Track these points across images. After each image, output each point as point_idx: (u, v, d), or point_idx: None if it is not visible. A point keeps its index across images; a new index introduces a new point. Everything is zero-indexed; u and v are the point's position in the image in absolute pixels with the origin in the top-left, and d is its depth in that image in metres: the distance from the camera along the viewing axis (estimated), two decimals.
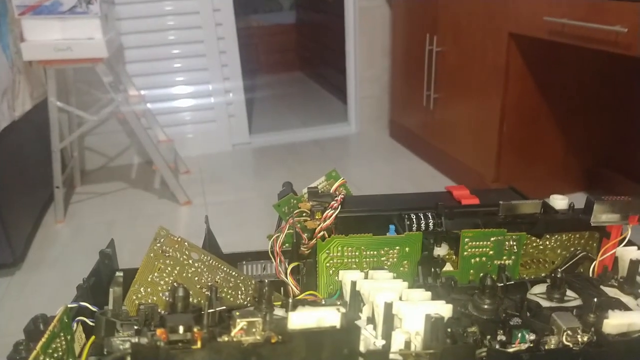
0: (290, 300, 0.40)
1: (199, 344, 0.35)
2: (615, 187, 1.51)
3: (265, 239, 0.66)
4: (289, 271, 0.61)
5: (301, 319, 0.37)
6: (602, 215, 0.60)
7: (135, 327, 0.40)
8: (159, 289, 0.55)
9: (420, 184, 1.73)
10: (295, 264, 0.61)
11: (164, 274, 0.56)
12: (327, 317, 0.37)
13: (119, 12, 1.81)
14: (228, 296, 0.60)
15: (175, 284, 0.53)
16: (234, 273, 0.62)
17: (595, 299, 0.48)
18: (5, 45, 1.34)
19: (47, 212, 1.59)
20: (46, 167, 1.52)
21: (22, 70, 1.44)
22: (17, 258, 1.28)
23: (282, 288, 0.63)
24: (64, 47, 1.37)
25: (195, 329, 0.35)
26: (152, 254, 0.56)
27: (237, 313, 0.36)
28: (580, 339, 0.44)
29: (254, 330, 0.35)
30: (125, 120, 1.62)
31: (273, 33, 3.54)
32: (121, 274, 0.49)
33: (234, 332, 0.35)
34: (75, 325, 0.46)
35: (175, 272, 0.57)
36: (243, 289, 0.62)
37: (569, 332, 0.44)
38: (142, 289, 0.54)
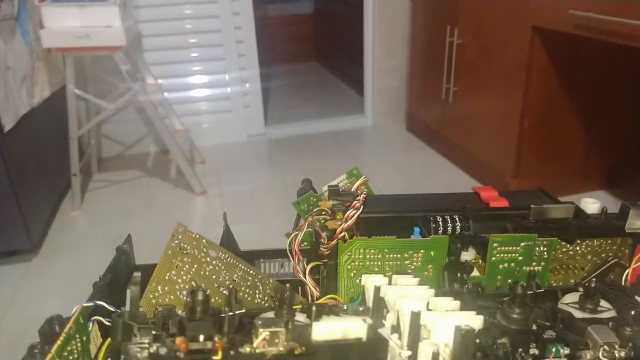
0: (314, 308, 0.39)
1: (219, 354, 0.33)
2: (637, 186, 1.47)
3: (280, 231, 0.65)
4: (307, 271, 0.59)
5: (326, 330, 0.35)
6: (637, 222, 0.57)
7: (153, 332, 0.39)
8: (177, 287, 0.54)
9: (438, 178, 1.70)
10: (314, 264, 0.59)
11: (182, 272, 0.55)
12: (353, 328, 0.36)
13: (136, 0, 1.80)
14: (246, 295, 0.58)
15: (193, 283, 0.52)
16: (251, 271, 0.60)
17: (633, 312, 0.45)
18: (24, 32, 1.34)
19: (64, 199, 1.60)
20: (64, 155, 1.52)
21: (41, 57, 1.44)
22: (34, 244, 1.29)
23: (299, 287, 0.62)
24: (82, 34, 1.36)
25: (216, 338, 0.33)
26: (169, 252, 0.54)
27: (260, 322, 0.34)
28: (617, 355, 0.41)
29: (277, 340, 0.34)
30: (142, 109, 1.62)
31: (290, 23, 3.50)
32: (139, 274, 0.48)
33: (256, 342, 0.33)
34: (91, 324, 0.45)
35: (193, 270, 0.55)
36: (261, 287, 0.61)
37: (605, 347, 0.42)
38: (159, 288, 0.53)
